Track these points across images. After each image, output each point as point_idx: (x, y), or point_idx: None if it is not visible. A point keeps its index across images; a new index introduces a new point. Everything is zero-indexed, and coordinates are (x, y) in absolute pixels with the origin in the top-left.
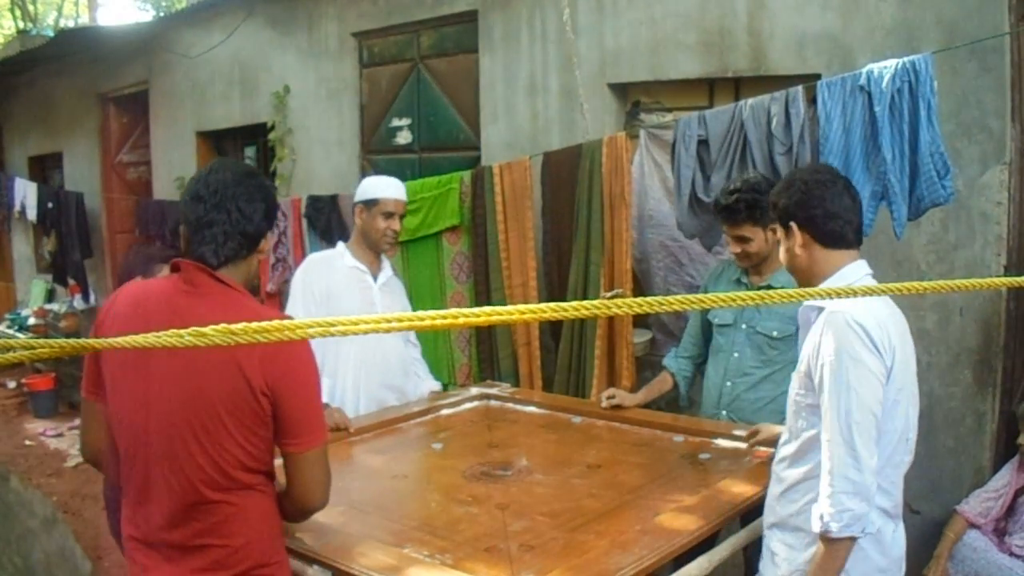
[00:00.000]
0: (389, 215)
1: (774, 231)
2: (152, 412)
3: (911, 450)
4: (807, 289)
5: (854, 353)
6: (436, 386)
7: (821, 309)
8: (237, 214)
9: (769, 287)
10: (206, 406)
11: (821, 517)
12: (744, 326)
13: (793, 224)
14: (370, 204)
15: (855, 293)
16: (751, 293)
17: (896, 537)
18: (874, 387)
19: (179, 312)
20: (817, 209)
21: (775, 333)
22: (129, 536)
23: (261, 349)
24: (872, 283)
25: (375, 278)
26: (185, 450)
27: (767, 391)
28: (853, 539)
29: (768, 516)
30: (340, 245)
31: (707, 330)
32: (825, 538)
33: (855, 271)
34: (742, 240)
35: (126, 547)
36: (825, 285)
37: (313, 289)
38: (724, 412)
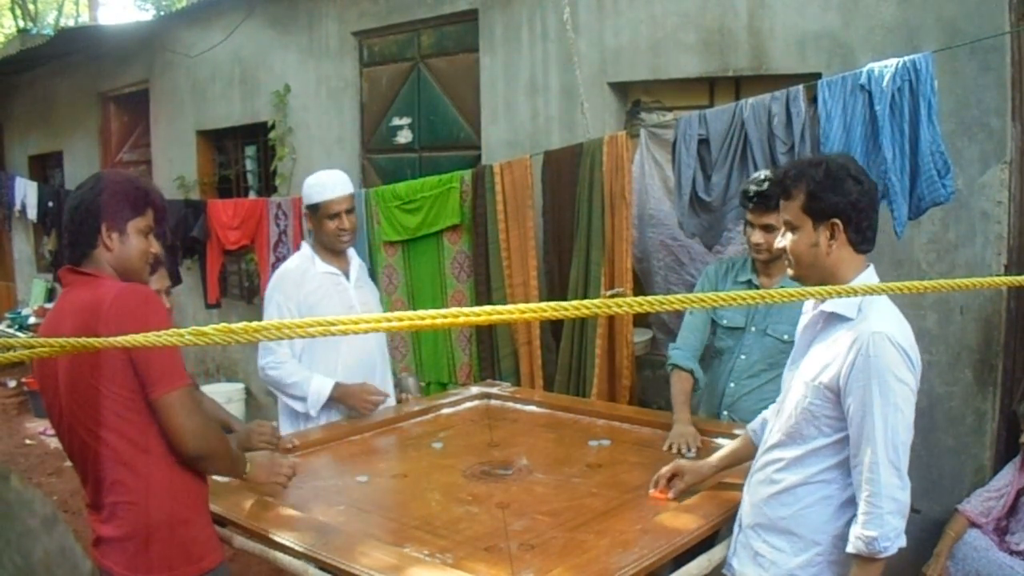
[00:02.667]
0: (334, 216)
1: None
2: (60, 399)
3: None
4: (809, 288)
5: (900, 374)
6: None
7: (843, 319)
8: (67, 217)
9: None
10: (85, 383)
11: (872, 540)
12: (754, 329)
13: (838, 221)
14: (312, 210)
15: (855, 292)
16: (751, 292)
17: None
18: (912, 407)
19: (56, 309)
20: (864, 211)
21: (786, 336)
22: (86, 504)
23: (117, 313)
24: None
25: (347, 277)
26: (83, 426)
27: (771, 393)
28: None
29: (750, 516)
30: (306, 248)
31: (710, 331)
32: (871, 558)
33: (870, 277)
34: (768, 229)
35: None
36: (854, 282)
37: (290, 306)
38: (725, 412)
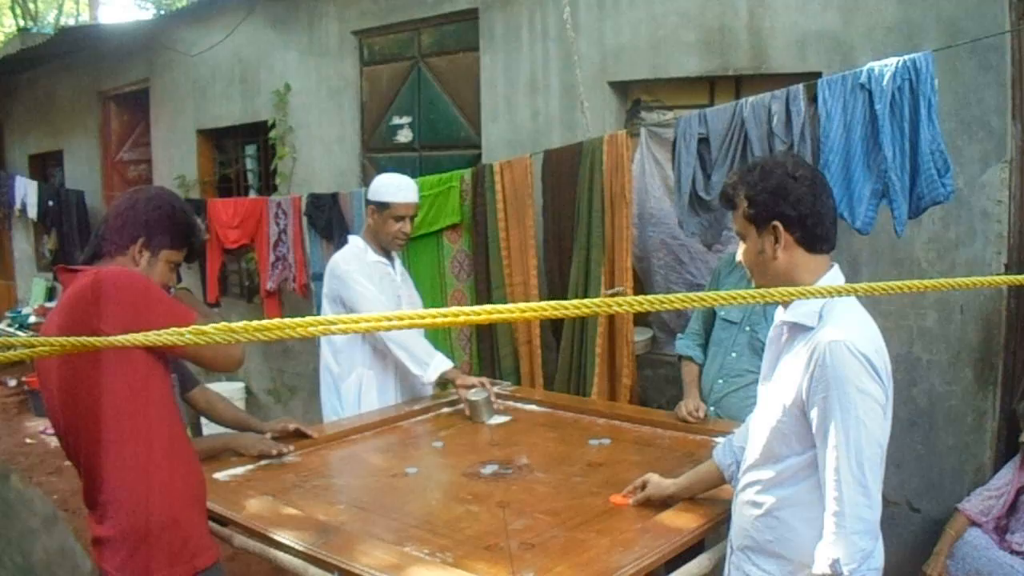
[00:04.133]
0: (400, 218)
1: None
2: (56, 395)
3: None
4: (810, 288)
5: (861, 385)
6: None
7: (804, 328)
8: (112, 213)
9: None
10: (83, 376)
11: (834, 561)
12: (748, 328)
13: (778, 223)
14: (381, 207)
15: (855, 291)
16: (751, 292)
17: (877, 554)
18: (880, 419)
19: (56, 309)
20: (807, 207)
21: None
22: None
23: (115, 285)
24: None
25: (394, 268)
26: (79, 422)
27: (756, 392)
28: None
29: (739, 538)
30: (357, 240)
31: (712, 319)
32: None
33: (835, 278)
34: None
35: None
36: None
37: (367, 272)
38: (712, 408)
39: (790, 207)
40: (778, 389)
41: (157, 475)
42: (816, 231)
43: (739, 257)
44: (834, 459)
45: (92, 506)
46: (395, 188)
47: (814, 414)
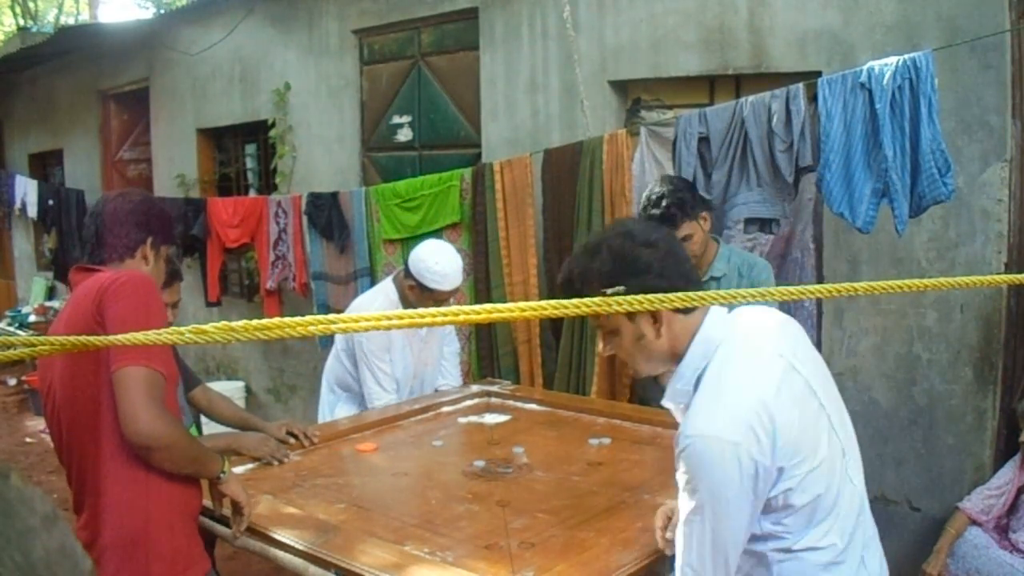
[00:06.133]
0: (440, 302)
1: (705, 219)
2: (55, 394)
3: (858, 471)
4: (811, 287)
5: (712, 486)
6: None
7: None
8: (101, 227)
9: (712, 278)
10: (79, 373)
11: None
12: None
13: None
14: (423, 288)
15: (856, 291)
16: (752, 291)
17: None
18: (736, 518)
19: (66, 307)
20: (673, 269)
21: None
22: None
23: (103, 290)
24: (731, 321)
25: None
26: (72, 421)
27: None
28: None
29: None
30: (391, 291)
31: None
32: None
33: (716, 320)
34: (685, 240)
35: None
36: (690, 354)
37: (382, 343)
38: None
39: (659, 278)
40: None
41: (154, 481)
42: (688, 289)
43: (607, 353)
44: (681, 549)
45: (82, 510)
46: (440, 278)
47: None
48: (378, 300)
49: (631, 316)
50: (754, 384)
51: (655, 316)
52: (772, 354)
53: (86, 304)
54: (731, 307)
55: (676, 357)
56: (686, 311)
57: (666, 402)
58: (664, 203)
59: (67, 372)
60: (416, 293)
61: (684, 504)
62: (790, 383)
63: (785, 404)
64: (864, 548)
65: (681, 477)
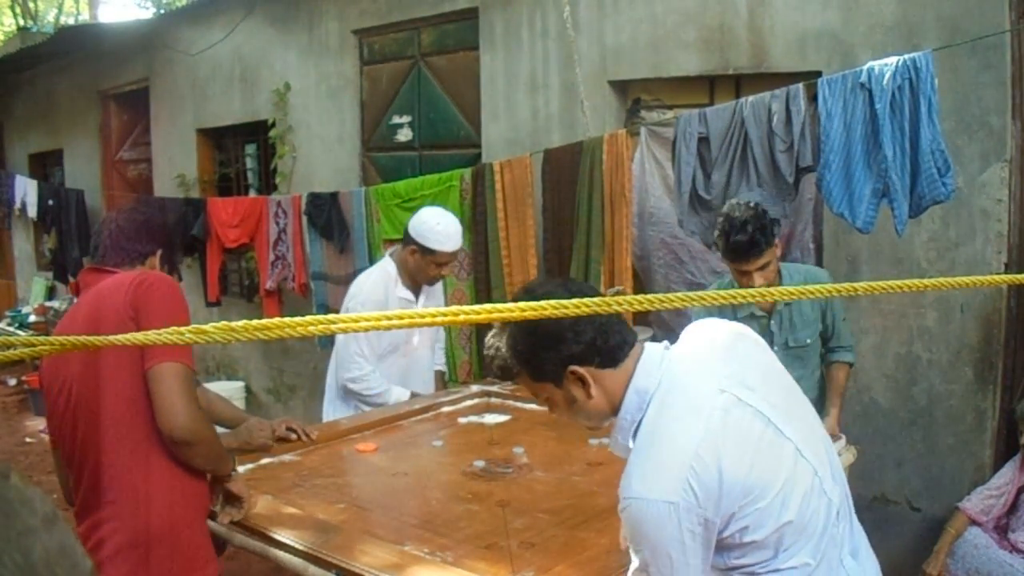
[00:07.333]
0: (441, 264)
1: (778, 245)
2: (70, 393)
3: (836, 483)
4: (811, 287)
5: (659, 545)
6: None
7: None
8: (116, 233)
9: (784, 304)
10: (98, 370)
11: None
12: (776, 348)
13: (576, 368)
14: (424, 251)
15: (856, 291)
16: (753, 291)
17: None
18: (688, 565)
19: (78, 305)
20: (588, 327)
21: (808, 340)
22: (75, 513)
23: (135, 286)
24: (666, 364)
25: (417, 303)
26: (90, 420)
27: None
28: None
29: None
30: (390, 267)
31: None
32: None
33: (647, 368)
34: (764, 268)
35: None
36: (623, 407)
37: (377, 301)
38: None
39: (575, 343)
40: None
41: (177, 479)
42: (610, 343)
43: (554, 416)
44: None
45: (95, 508)
46: (444, 237)
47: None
48: (374, 274)
49: (557, 383)
50: (688, 435)
51: (581, 379)
52: (712, 392)
53: (114, 301)
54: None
55: (615, 409)
56: (613, 363)
57: (612, 450)
58: (750, 229)
59: (90, 371)
60: (417, 258)
61: (633, 559)
62: (737, 420)
63: (729, 447)
64: (841, 548)
65: (625, 535)
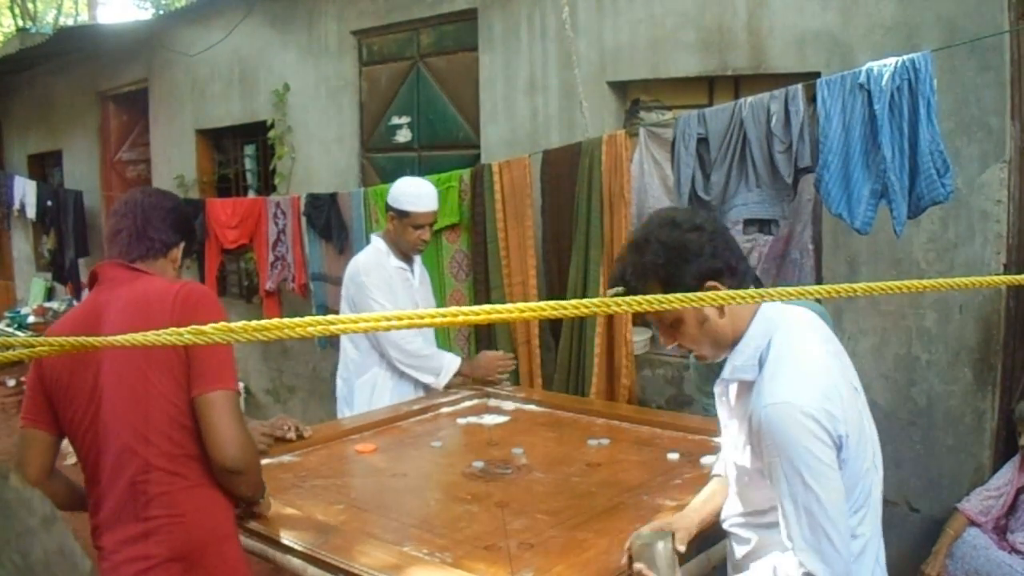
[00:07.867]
0: (420, 227)
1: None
2: (99, 400)
3: (881, 464)
4: (810, 288)
5: (805, 450)
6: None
7: (747, 383)
8: (142, 220)
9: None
10: (139, 380)
11: None
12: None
13: (714, 283)
14: (401, 215)
15: (854, 292)
16: (753, 291)
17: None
18: (830, 479)
19: (96, 303)
20: (727, 248)
21: None
22: (95, 525)
23: (181, 302)
24: (781, 306)
25: (413, 273)
26: (130, 429)
27: None
28: None
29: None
30: (380, 243)
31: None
32: None
33: (768, 304)
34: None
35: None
36: (751, 332)
37: (387, 281)
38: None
39: (713, 258)
40: (736, 452)
41: (218, 494)
42: (743, 268)
43: (669, 346)
44: (786, 527)
45: (129, 522)
46: (415, 197)
47: (769, 480)
48: (367, 251)
49: None
50: (822, 357)
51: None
52: (822, 338)
53: (158, 311)
54: None
55: (735, 339)
56: (744, 287)
57: (726, 374)
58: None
59: (115, 377)
60: (396, 223)
61: (779, 483)
62: (839, 365)
63: (839, 380)
64: (879, 542)
65: (768, 452)
